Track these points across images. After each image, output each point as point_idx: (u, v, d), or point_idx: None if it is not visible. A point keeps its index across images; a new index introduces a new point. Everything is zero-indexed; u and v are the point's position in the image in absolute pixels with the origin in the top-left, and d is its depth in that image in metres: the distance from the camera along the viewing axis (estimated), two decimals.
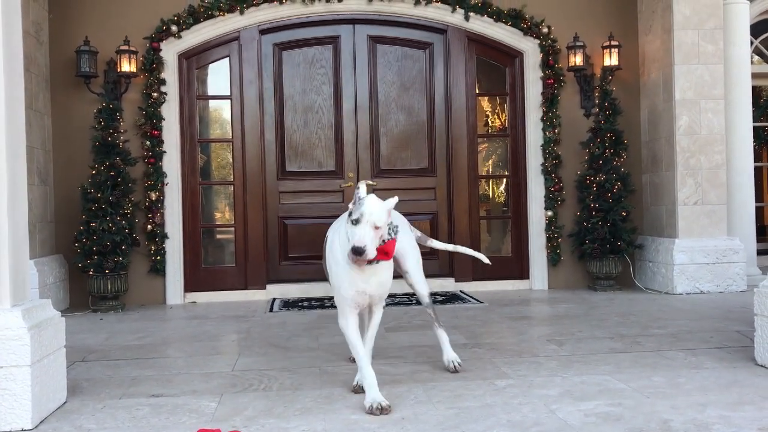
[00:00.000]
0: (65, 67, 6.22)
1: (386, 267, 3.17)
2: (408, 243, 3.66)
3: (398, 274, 3.60)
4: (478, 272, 6.73)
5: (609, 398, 3.05)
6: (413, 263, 3.65)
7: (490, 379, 3.42)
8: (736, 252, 6.25)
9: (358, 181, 6.68)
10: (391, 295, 5.94)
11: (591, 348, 4.08)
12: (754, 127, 7.30)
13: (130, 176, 6.00)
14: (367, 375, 3.05)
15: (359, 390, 3.20)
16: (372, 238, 2.91)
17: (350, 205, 3.03)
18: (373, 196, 3.01)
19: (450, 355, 3.62)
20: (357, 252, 2.87)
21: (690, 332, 4.46)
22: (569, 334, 4.50)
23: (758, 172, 8.12)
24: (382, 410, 2.88)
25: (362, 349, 3.14)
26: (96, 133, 5.96)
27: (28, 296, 3.12)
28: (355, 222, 2.92)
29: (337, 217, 6.53)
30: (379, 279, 3.14)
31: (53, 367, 3.08)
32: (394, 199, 3.04)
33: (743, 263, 6.26)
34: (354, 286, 3.10)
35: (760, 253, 7.14)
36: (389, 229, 3.08)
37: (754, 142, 7.25)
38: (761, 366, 3.54)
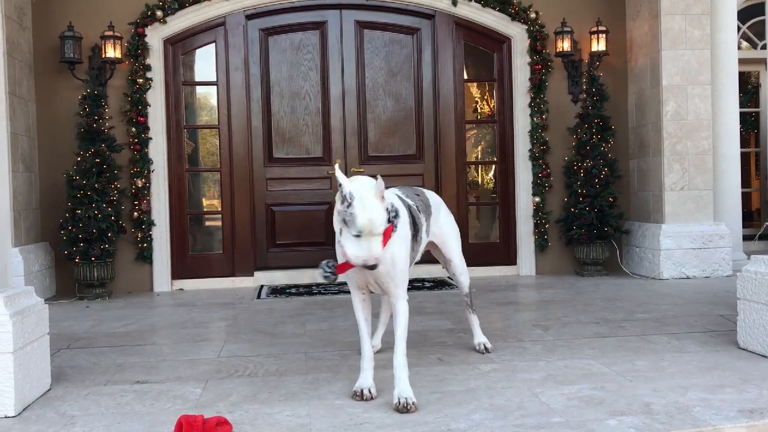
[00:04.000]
0: (49, 53, 6.15)
1: (391, 240, 2.67)
2: (451, 226, 3.33)
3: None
4: (466, 259, 6.72)
5: (592, 382, 3.07)
6: (457, 251, 3.37)
7: (475, 364, 3.43)
8: (722, 237, 6.28)
9: (346, 167, 6.66)
10: None
11: (576, 333, 4.10)
12: (742, 113, 7.32)
13: (115, 163, 5.96)
14: (365, 356, 2.97)
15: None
16: (380, 245, 2.53)
17: (338, 204, 2.59)
18: (362, 190, 2.56)
19: (480, 338, 3.67)
20: (372, 268, 2.59)
21: (675, 317, 4.49)
22: (555, 319, 4.52)
23: (745, 157, 8.16)
24: (363, 398, 2.88)
25: (365, 330, 3.01)
26: (81, 119, 5.91)
27: (10, 283, 3.11)
28: (357, 235, 2.54)
29: (324, 203, 6.65)
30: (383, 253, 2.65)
31: (36, 354, 3.06)
32: (380, 181, 2.58)
33: (729, 248, 6.29)
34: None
35: (746, 238, 7.19)
36: (387, 213, 2.61)
37: (741, 127, 7.27)
38: (743, 349, 3.57)
